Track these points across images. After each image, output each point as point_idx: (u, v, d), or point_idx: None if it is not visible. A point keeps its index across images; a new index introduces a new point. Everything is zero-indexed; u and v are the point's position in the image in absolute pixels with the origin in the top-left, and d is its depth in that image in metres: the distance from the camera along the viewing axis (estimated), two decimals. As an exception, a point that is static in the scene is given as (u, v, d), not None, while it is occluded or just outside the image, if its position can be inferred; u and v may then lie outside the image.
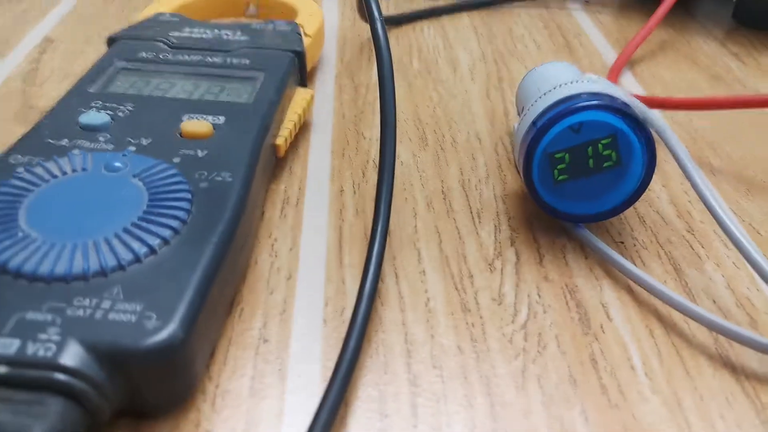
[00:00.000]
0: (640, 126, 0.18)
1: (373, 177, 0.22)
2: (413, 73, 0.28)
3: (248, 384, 0.15)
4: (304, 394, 0.15)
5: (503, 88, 0.27)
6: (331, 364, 0.16)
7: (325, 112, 0.25)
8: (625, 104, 0.18)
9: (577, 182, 0.19)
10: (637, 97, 0.25)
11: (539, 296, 0.18)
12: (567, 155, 0.19)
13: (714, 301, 0.18)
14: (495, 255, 0.19)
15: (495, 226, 0.20)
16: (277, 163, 0.22)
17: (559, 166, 0.19)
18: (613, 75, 0.27)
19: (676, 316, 0.18)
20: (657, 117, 0.20)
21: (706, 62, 0.31)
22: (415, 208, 0.21)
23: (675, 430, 0.15)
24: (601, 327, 0.17)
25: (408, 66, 0.29)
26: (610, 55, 0.30)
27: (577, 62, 0.30)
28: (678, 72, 0.30)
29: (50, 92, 0.26)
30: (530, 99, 0.21)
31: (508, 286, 0.18)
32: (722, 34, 0.33)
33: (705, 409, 0.15)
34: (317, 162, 0.23)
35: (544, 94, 0.20)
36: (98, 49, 0.29)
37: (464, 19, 0.33)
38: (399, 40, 0.31)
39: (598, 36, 0.32)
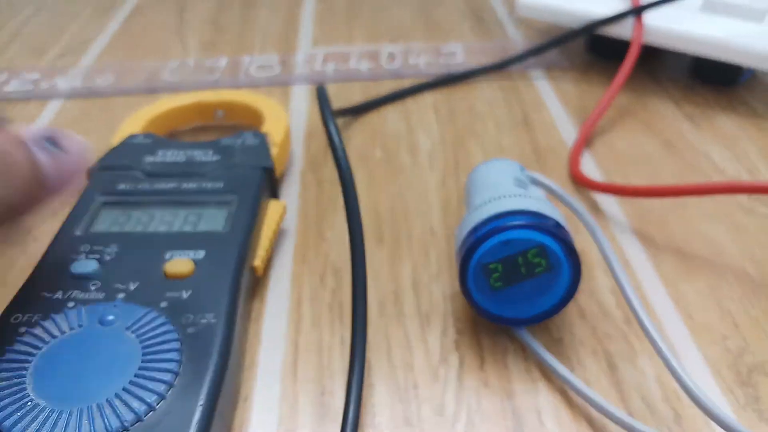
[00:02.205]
0: (561, 240, 0.20)
1: (330, 284, 0.24)
2: (375, 163, 0.30)
3: None
4: None
5: (459, 175, 0.29)
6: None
7: (290, 212, 0.27)
8: (549, 221, 0.20)
9: (513, 288, 0.21)
10: (594, 184, 0.26)
11: (478, 404, 0.19)
12: (500, 265, 0.20)
13: (642, 398, 0.19)
14: (440, 361, 0.21)
15: (442, 330, 0.22)
16: (256, 281, 0.23)
17: (493, 275, 0.21)
18: (574, 159, 0.29)
19: (606, 419, 0.19)
20: (588, 219, 0.22)
21: (660, 127, 0.32)
22: (368, 314, 0.22)
23: None
24: (534, 434, 0.18)
25: (370, 157, 0.30)
26: (568, 130, 0.32)
27: (534, 141, 0.31)
28: (633, 140, 0.31)
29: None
30: (470, 204, 0.23)
31: (450, 395, 0.20)
32: (679, 94, 0.35)
33: None
34: (279, 270, 0.24)
35: (479, 206, 0.21)
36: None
37: (427, 99, 0.35)
38: (364, 129, 0.32)
39: (558, 107, 0.34)
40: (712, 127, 0.32)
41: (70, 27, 0.44)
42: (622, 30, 0.34)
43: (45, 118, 0.34)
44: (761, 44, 0.31)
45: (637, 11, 0.34)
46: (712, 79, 0.35)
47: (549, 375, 0.20)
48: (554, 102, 0.34)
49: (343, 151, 0.22)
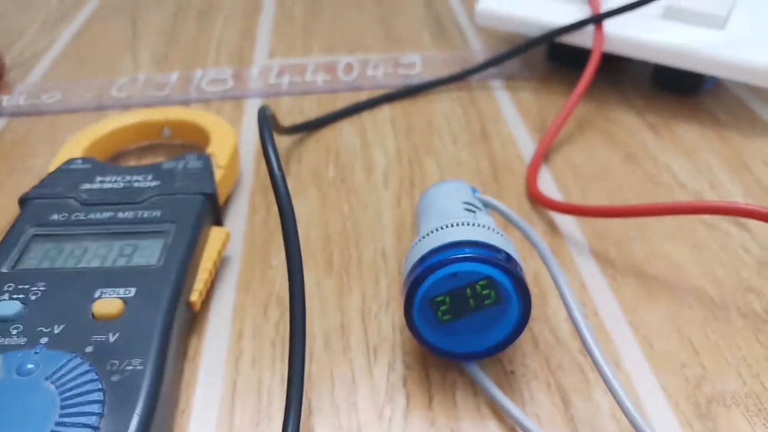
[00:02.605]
0: (510, 273, 0.19)
1: (273, 315, 0.22)
2: (328, 183, 0.29)
3: None
4: None
5: (413, 194, 0.28)
6: None
7: (235, 237, 0.26)
8: (498, 254, 0.19)
9: (461, 320, 0.20)
10: (551, 203, 0.25)
11: (424, 447, 0.18)
12: (447, 298, 0.19)
13: (597, 436, 0.19)
14: (386, 400, 0.20)
15: (389, 363, 0.21)
16: (194, 316, 0.22)
17: (441, 308, 0.20)
18: (531, 176, 0.28)
19: (557, 460, 0.18)
20: (540, 245, 0.21)
21: (622, 137, 0.31)
22: (311, 349, 0.21)
23: None
24: (481, 479, 0.17)
25: (323, 175, 0.29)
26: (526, 143, 0.31)
27: (492, 156, 0.30)
28: (593, 154, 0.30)
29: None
30: (418, 232, 0.22)
31: (394, 437, 0.19)
32: (641, 103, 0.34)
33: None
34: (220, 301, 0.23)
35: (425, 236, 0.20)
36: (20, 183, 0.29)
37: (385, 112, 0.34)
38: (317, 145, 0.31)
39: (517, 120, 0.33)
40: (675, 137, 0.31)
41: (19, 41, 0.43)
42: (583, 38, 0.34)
43: (-16, 139, 0.33)
44: (722, 52, 0.31)
45: (597, 19, 0.33)
46: (675, 88, 0.35)
47: (499, 412, 0.19)
48: (513, 114, 0.33)
49: (283, 180, 0.21)
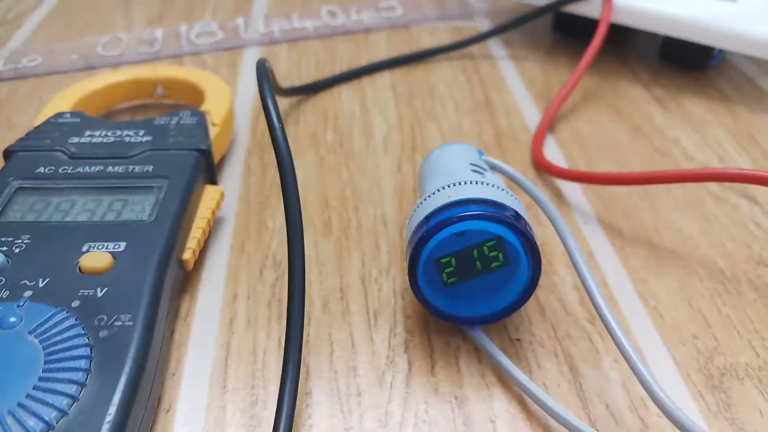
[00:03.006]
0: (520, 232, 0.18)
1: (269, 277, 0.21)
2: (326, 147, 0.28)
3: None
4: None
5: (415, 159, 0.27)
6: None
7: (230, 198, 0.25)
8: (507, 211, 0.18)
9: (467, 283, 0.19)
10: (557, 170, 0.25)
11: (426, 413, 0.17)
12: (453, 259, 0.19)
13: (607, 406, 0.18)
14: (387, 365, 0.19)
15: (390, 329, 0.20)
16: (186, 276, 0.21)
17: (446, 270, 0.19)
18: (537, 144, 0.27)
19: (565, 430, 0.17)
20: (549, 208, 0.20)
21: (628, 110, 0.30)
22: (309, 313, 0.20)
23: None
24: (487, 447, 0.17)
25: (321, 139, 0.28)
26: (531, 113, 0.30)
27: (496, 124, 0.29)
28: (599, 125, 0.29)
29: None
30: (423, 192, 0.21)
31: (396, 403, 0.18)
32: (648, 76, 0.33)
33: None
34: (214, 262, 0.22)
35: (431, 194, 0.19)
36: (4, 138, 0.28)
37: (385, 78, 0.33)
38: (315, 108, 0.30)
39: (521, 90, 0.32)
40: (682, 111, 0.31)
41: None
42: (590, 8, 0.33)
43: (-33, 94, 0.31)
44: (734, 24, 0.30)
45: (605, -12, 0.32)
46: (682, 62, 0.34)
47: (505, 380, 0.18)
48: (517, 84, 0.32)
49: (285, 136, 0.20)
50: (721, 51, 0.33)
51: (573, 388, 0.18)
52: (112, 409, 0.15)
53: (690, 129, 0.29)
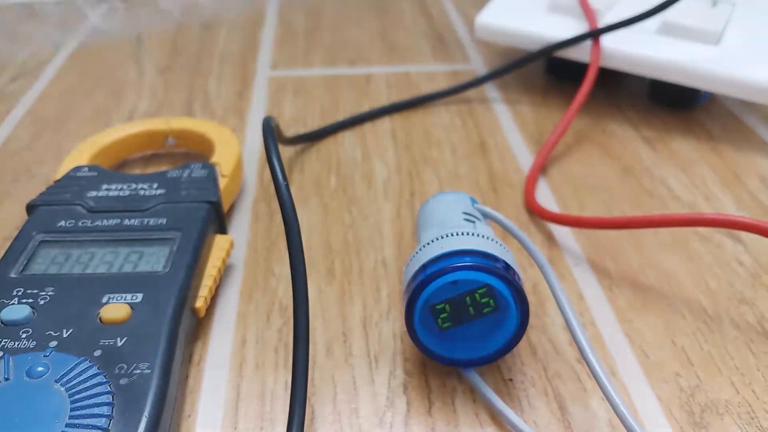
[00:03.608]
0: (509, 282, 0.19)
1: (276, 323, 0.23)
2: (330, 193, 0.29)
3: None
4: None
5: (413, 204, 0.28)
6: None
7: (239, 245, 0.26)
8: (497, 263, 0.19)
9: (461, 328, 0.20)
10: (549, 215, 0.26)
11: (424, 452, 0.19)
12: (447, 305, 0.20)
13: (594, 443, 0.19)
14: (387, 406, 0.20)
15: (390, 371, 0.21)
16: (198, 323, 0.23)
17: (441, 315, 0.20)
18: (530, 188, 0.28)
19: (554, 465, 0.18)
20: (538, 255, 0.21)
21: (618, 151, 0.32)
22: (314, 356, 0.22)
23: None
24: (480, 484, 0.18)
25: (325, 185, 0.30)
26: (524, 156, 0.31)
27: (491, 168, 0.31)
28: (590, 167, 0.31)
29: (-26, 245, 0.27)
30: (419, 241, 0.22)
31: (395, 443, 0.19)
32: (637, 117, 0.35)
33: None
34: (224, 308, 0.23)
35: (427, 243, 0.21)
36: (24, 188, 0.30)
37: (385, 123, 0.34)
38: (319, 155, 0.32)
39: (515, 132, 0.33)
40: (670, 151, 0.32)
41: (25, 48, 0.43)
42: (580, 53, 0.34)
43: (-10, 146, 0.33)
44: (717, 67, 0.31)
45: (594, 34, 0.34)
46: (671, 102, 0.35)
47: (497, 420, 0.20)
48: (511, 126, 0.34)
49: (290, 195, 0.21)
50: (707, 92, 0.34)
51: (562, 426, 0.19)
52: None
53: (677, 169, 0.31)
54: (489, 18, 0.36)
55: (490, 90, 0.37)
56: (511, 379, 0.21)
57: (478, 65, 0.40)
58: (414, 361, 0.21)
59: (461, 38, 0.44)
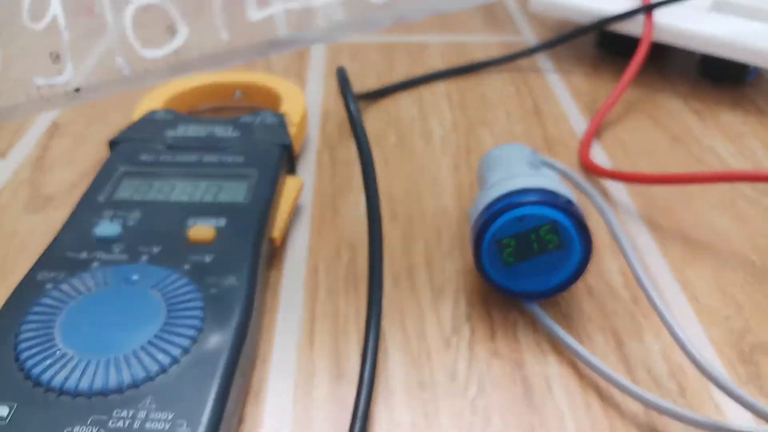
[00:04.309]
0: (573, 216, 0.20)
1: (345, 257, 0.24)
2: (390, 148, 0.30)
3: (224, 465, 0.17)
4: (272, 473, 0.17)
5: (470, 160, 0.29)
6: (297, 445, 0.18)
7: (306, 189, 0.28)
8: (561, 199, 0.20)
9: (524, 263, 0.21)
10: (603, 171, 0.27)
11: (489, 372, 0.20)
12: (513, 241, 0.21)
13: (648, 372, 0.20)
14: (452, 331, 0.21)
15: (454, 302, 0.22)
16: (275, 252, 0.24)
17: (506, 250, 0.21)
18: (585, 149, 0.29)
19: (613, 389, 0.19)
20: (598, 200, 0.22)
21: (668, 121, 0.33)
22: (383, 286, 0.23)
23: (600, 499, 0.17)
24: (543, 401, 0.19)
25: (385, 141, 0.31)
26: (578, 122, 0.32)
27: (545, 130, 0.32)
28: (641, 134, 0.32)
29: (58, 179, 0.28)
30: (483, 184, 0.23)
31: (462, 363, 0.20)
32: (687, 90, 0.35)
33: (629, 479, 0.17)
34: (296, 242, 0.25)
35: (493, 185, 0.22)
36: (99, 131, 0.31)
37: (440, 87, 0.35)
38: (378, 113, 0.33)
39: (568, 100, 0.34)
40: (719, 123, 0.33)
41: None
42: (633, 27, 0.35)
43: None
44: (766, 43, 0.32)
45: (647, 9, 0.34)
46: (720, 77, 0.36)
47: (558, 348, 0.21)
48: (565, 94, 0.35)
49: (363, 130, 0.23)
50: (756, 67, 0.35)
51: (619, 358, 0.20)
52: (226, 350, 0.18)
53: (726, 139, 0.31)
54: (544, -10, 0.37)
55: (542, 60, 0.38)
56: (569, 315, 0.22)
57: (529, 37, 0.41)
58: (477, 295, 0.23)
59: (512, 11, 0.45)
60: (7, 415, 0.16)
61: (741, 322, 0.22)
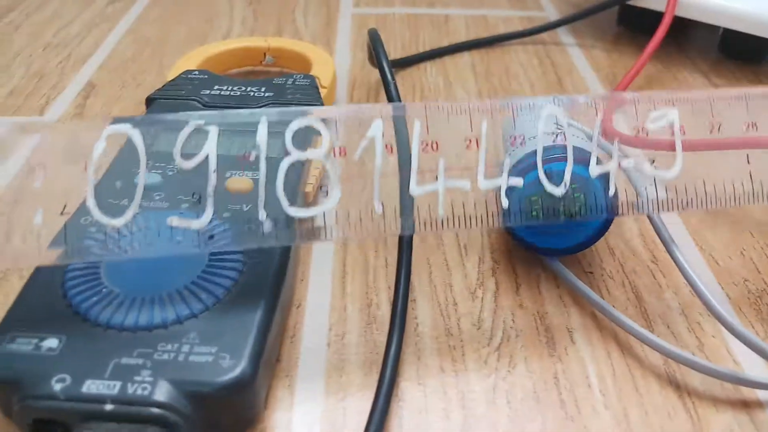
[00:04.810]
0: (600, 174, 0.21)
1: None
2: (415, 113, 0.31)
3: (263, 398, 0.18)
4: (309, 405, 0.18)
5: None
6: (333, 381, 0.19)
7: (334, 152, 0.28)
8: (587, 156, 0.21)
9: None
10: (624, 137, 0.28)
11: (513, 322, 0.21)
12: (540, 198, 0.22)
13: (668, 326, 0.21)
14: (477, 284, 0.22)
15: (479, 258, 0.23)
16: (307, 206, 0.25)
17: (533, 207, 0.22)
18: (607, 115, 0.30)
19: (632, 341, 0.20)
20: (627, 162, 0.23)
21: (689, 96, 0.33)
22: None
23: (620, 439, 0.18)
24: (565, 349, 0.20)
25: (410, 106, 0.31)
26: (599, 91, 0.33)
27: (566, 99, 0.32)
28: (661, 107, 0.32)
29: (93, 136, 0.29)
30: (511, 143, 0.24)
31: (487, 313, 0.21)
32: (707, 67, 0.36)
33: (648, 423, 0.18)
34: (325, 199, 0.26)
35: (521, 143, 0.23)
36: (133, 93, 0.32)
37: (465, 58, 0.36)
38: (404, 81, 0.34)
39: (590, 73, 0.35)
40: (739, 98, 0.33)
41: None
42: (656, 2, 0.36)
43: (100, 56, 0.36)
44: (791, 20, 0.33)
45: (672, -17, 0.35)
46: (740, 55, 0.36)
47: (580, 301, 0.22)
48: (586, 68, 0.35)
49: (395, 85, 0.23)
50: (778, 45, 0.35)
51: (639, 312, 0.21)
52: (266, 290, 0.19)
53: (746, 113, 0.32)
54: (569, -36, 0.38)
55: (564, 35, 0.39)
56: (591, 272, 0.23)
57: (551, 13, 0.41)
58: (501, 252, 0.23)
59: (535, -11, 0.45)
60: (57, 347, 0.17)
61: (759, 284, 0.23)
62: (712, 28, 0.37)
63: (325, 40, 0.38)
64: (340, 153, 0.18)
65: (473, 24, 0.40)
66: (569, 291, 0.22)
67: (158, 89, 0.28)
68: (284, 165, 0.18)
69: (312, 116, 0.18)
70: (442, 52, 0.36)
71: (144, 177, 0.19)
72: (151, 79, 0.33)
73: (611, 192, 0.21)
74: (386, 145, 0.18)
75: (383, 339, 0.20)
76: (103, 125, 0.18)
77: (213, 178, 0.18)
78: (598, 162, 0.21)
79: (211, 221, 0.20)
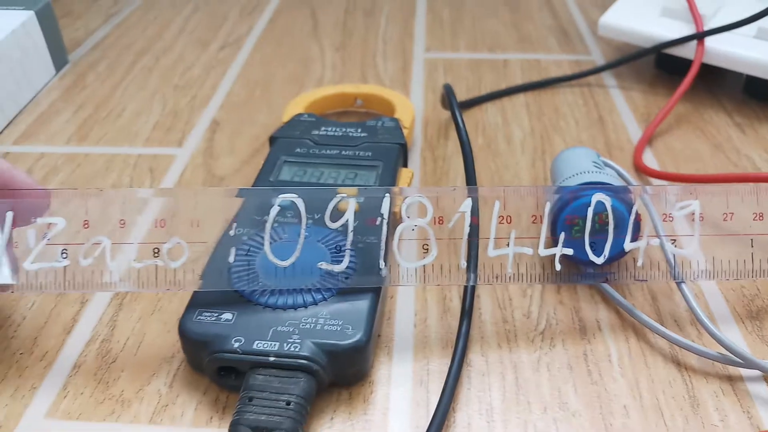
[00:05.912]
0: (627, 204, 0.27)
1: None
2: (478, 148, 0.38)
3: (369, 362, 0.25)
4: (403, 367, 0.25)
5: (545, 159, 0.37)
6: (419, 351, 0.26)
7: (415, 178, 0.35)
8: (619, 192, 0.28)
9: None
10: (652, 171, 0.34)
11: (555, 314, 0.27)
12: (580, 220, 0.28)
13: (675, 321, 0.27)
14: (527, 286, 0.29)
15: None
16: (396, 224, 0.32)
17: (574, 228, 0.29)
18: (638, 153, 0.36)
19: (646, 331, 0.27)
20: (644, 197, 0.30)
21: (712, 132, 0.39)
22: (475, 252, 0.31)
23: (631, 399, 0.24)
24: (593, 335, 0.26)
25: (474, 142, 0.38)
26: (634, 131, 0.39)
27: (607, 137, 0.39)
28: (687, 143, 0.38)
29: (225, 164, 0.37)
30: (557, 178, 0.31)
31: (534, 307, 0.28)
32: (732, 107, 0.42)
33: (653, 387, 0.24)
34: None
35: (568, 177, 0.29)
36: (250, 129, 0.40)
37: (520, 99, 0.43)
38: (468, 119, 0.41)
39: (627, 112, 0.41)
40: (758, 135, 0.39)
41: (224, 25, 0.54)
42: (687, 51, 0.42)
43: (219, 96, 0.44)
44: (803, 69, 0.38)
45: (700, 36, 0.41)
46: (763, 96, 0.42)
47: (607, 300, 0.28)
48: (624, 107, 0.42)
49: (465, 129, 0.30)
50: (793, 89, 0.41)
51: (652, 309, 0.28)
52: (373, 281, 0.26)
53: (762, 149, 0.38)
54: (611, 19, 0.44)
55: (607, 78, 0.45)
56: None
57: (597, 56, 0.48)
58: (547, 261, 0.30)
59: (582, 33, 0.52)
60: (232, 318, 0.25)
61: (752, 290, 0.29)
62: (738, 73, 0.42)
63: (402, 82, 0.45)
64: (438, 221, 0.25)
65: (527, 67, 0.47)
66: (599, 292, 0.28)
67: (277, 129, 0.36)
68: (400, 228, 0.25)
69: (420, 195, 0.25)
70: (500, 93, 0.43)
71: (304, 233, 0.26)
72: (263, 117, 0.41)
73: (639, 263, 0.27)
74: (473, 217, 0.25)
75: (455, 323, 0.27)
76: (274, 194, 0.25)
77: (350, 236, 0.25)
78: (627, 194, 0.28)
79: (330, 232, 0.28)
